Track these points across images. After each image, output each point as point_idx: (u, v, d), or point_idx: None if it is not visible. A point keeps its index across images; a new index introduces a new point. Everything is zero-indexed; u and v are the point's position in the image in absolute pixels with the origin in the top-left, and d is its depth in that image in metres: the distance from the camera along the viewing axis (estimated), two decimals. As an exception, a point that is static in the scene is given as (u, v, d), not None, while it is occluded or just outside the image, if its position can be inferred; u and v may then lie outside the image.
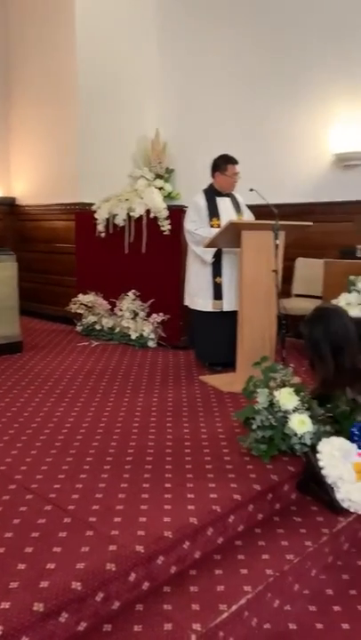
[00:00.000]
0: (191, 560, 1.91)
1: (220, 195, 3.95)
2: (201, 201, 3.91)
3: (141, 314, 4.85)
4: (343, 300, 3.35)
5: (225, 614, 1.67)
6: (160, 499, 2.09)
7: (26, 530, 1.87)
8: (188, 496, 2.11)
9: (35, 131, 6.17)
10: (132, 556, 1.74)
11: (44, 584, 1.58)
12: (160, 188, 5.64)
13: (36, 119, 6.13)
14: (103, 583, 1.64)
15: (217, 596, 1.74)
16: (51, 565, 1.67)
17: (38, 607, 1.49)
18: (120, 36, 5.83)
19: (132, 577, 1.72)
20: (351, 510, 2.21)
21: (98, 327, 5.19)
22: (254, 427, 2.42)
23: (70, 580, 1.60)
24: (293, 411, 2.45)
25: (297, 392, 2.52)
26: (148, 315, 4.81)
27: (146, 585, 1.76)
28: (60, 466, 2.39)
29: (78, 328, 5.35)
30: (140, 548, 1.77)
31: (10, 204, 6.52)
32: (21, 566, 1.67)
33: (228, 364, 3.90)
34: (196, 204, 3.93)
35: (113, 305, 5.08)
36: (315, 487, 2.29)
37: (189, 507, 2.03)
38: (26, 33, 6.08)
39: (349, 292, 3.34)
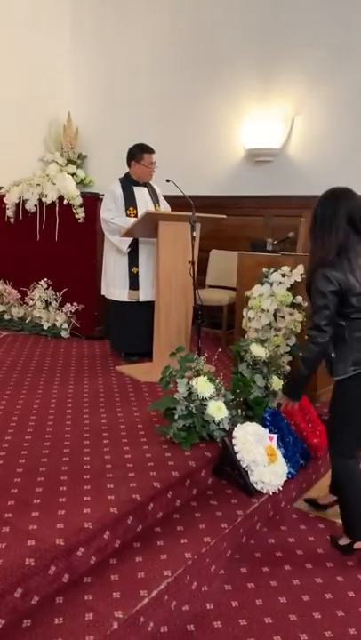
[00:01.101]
0: (111, 549, 1.92)
1: (138, 184, 3.93)
2: (117, 189, 3.86)
3: (54, 303, 4.73)
4: (256, 292, 3.48)
5: (145, 600, 1.70)
6: (79, 491, 2.07)
7: None
8: (108, 486, 2.11)
9: None
10: (52, 550, 1.71)
11: None
12: (73, 174, 5.50)
13: None
14: (22, 579, 1.60)
15: (137, 583, 1.76)
16: (-35, 565, 1.60)
17: None
18: (30, 16, 5.58)
19: (52, 570, 1.70)
20: (263, 492, 2.33)
21: (7, 317, 4.98)
22: (176, 416, 2.46)
23: (-14, 578, 1.55)
24: (210, 398, 2.52)
25: (210, 380, 2.60)
26: (62, 304, 4.70)
27: (66, 577, 1.74)
28: (-29, 462, 2.28)
29: (-15, 318, 5.11)
30: (59, 541, 1.75)
31: None
32: None
33: (144, 354, 3.92)
34: (112, 193, 3.87)
35: (24, 294, 4.90)
36: (230, 471, 2.38)
37: (109, 497, 2.03)
38: None
39: (262, 284, 3.48)
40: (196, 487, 2.34)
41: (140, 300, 3.83)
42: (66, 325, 4.65)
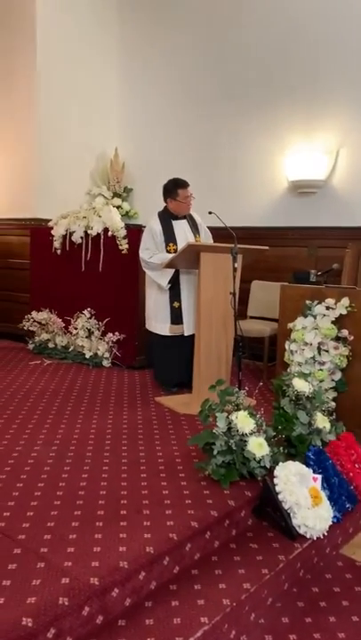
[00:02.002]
0: (147, 591, 1.86)
1: (176, 217, 3.95)
2: (156, 226, 3.88)
3: (96, 333, 4.78)
4: (299, 324, 3.41)
5: (181, 648, 1.62)
6: (115, 527, 2.03)
7: (-28, 562, 1.77)
8: (145, 523, 2.06)
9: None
10: (86, 589, 1.67)
11: (-9, 622, 1.49)
12: (118, 207, 5.63)
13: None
14: (55, 618, 1.56)
15: (173, 630, 1.69)
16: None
17: (-15, 648, 1.40)
18: (81, 54, 5.84)
19: (86, 611, 1.65)
20: (307, 536, 2.22)
21: (51, 345, 5.07)
22: (215, 452, 2.40)
23: (20, 615, 1.52)
24: (250, 434, 2.45)
25: (251, 415, 2.53)
26: (104, 334, 4.75)
27: (100, 619, 1.69)
28: (9, 492, 2.28)
29: (30, 346, 5.21)
30: (94, 581, 1.71)
31: None
32: (-33, 603, 1.57)
33: (183, 385, 3.89)
34: (151, 230, 3.89)
35: (67, 323, 4.99)
36: (271, 513, 2.28)
37: (145, 535, 1.97)
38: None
39: (305, 316, 3.41)
40: (236, 528, 2.26)
41: (185, 334, 3.82)
42: (107, 355, 4.68)
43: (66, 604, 1.60)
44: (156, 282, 3.83)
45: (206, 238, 4.07)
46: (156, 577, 1.89)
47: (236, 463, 2.41)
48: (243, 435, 2.44)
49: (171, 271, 3.75)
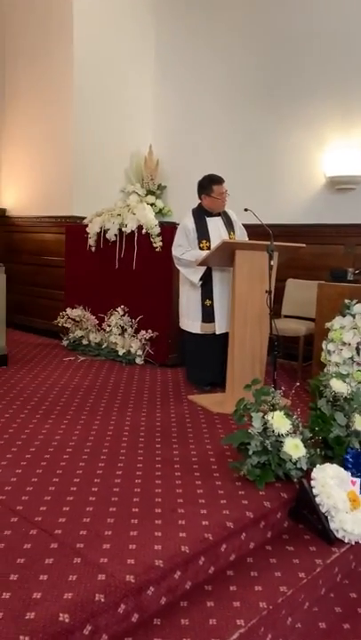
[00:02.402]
0: (182, 590, 1.85)
1: (210, 214, 3.91)
2: (189, 223, 3.85)
3: (129, 330, 4.80)
4: (337, 324, 3.34)
5: (217, 650, 1.60)
6: (150, 525, 2.03)
7: (10, 555, 1.79)
8: (179, 522, 2.04)
9: (27, 143, 6.14)
10: (122, 587, 1.67)
11: (29, 615, 1.50)
12: (152, 204, 5.63)
13: (29, 131, 6.10)
14: (92, 615, 1.57)
15: (209, 631, 1.67)
16: (37, 595, 1.59)
17: (23, 641, 1.41)
18: (116, 52, 5.86)
19: (122, 609, 1.65)
20: (345, 540, 2.17)
21: (85, 342, 5.12)
22: (250, 452, 2.37)
23: (57, 611, 1.52)
24: (286, 435, 2.41)
25: (287, 415, 2.48)
26: (137, 331, 4.76)
27: (135, 617, 1.69)
28: (46, 487, 2.31)
29: (64, 342, 5.28)
30: (130, 578, 1.70)
31: (-1, 215, 6.46)
32: (6, 595, 1.58)
33: (216, 384, 3.87)
34: (184, 227, 3.86)
35: (101, 320, 5.02)
36: (308, 515, 2.24)
37: (181, 534, 1.96)
38: (21, 43, 6.07)
39: (343, 315, 3.33)
40: (272, 530, 2.22)
41: (217, 332, 3.79)
42: (140, 352, 4.69)
43: (102, 600, 1.60)
44: (188, 278, 3.81)
45: (241, 236, 4.03)
46: (191, 577, 1.88)
47: (272, 464, 2.37)
48: (279, 435, 2.40)
49: (203, 268, 3.72)
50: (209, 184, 3.83)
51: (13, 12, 6.11)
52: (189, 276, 3.79)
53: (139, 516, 2.09)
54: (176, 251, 3.85)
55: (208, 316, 3.82)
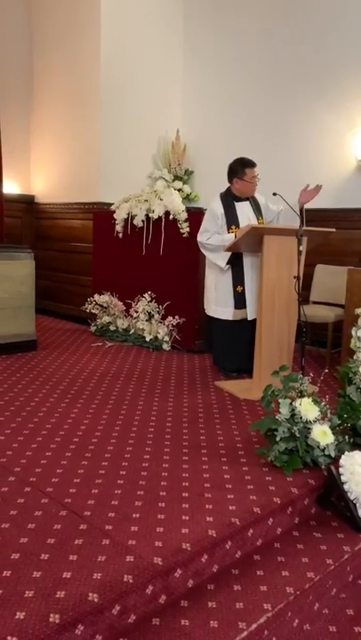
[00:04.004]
0: (209, 574, 1.86)
1: (239, 199, 3.86)
2: (218, 208, 3.81)
3: (157, 316, 4.81)
4: (366, 310, 3.28)
5: (244, 633, 1.62)
6: (177, 508, 2.04)
7: (41, 535, 1.83)
8: (206, 507, 2.05)
9: (56, 130, 6.16)
10: (150, 568, 1.69)
11: (60, 594, 1.54)
12: (179, 190, 5.60)
13: (57, 118, 6.13)
14: (120, 595, 1.59)
15: (236, 614, 1.69)
16: (67, 574, 1.62)
17: (54, 618, 1.45)
18: (143, 36, 5.81)
19: (150, 590, 1.67)
20: (374, 528, 2.15)
21: (112, 328, 5.15)
22: (278, 438, 2.36)
23: (87, 590, 1.55)
24: (314, 421, 2.39)
25: (315, 402, 2.46)
26: (164, 317, 4.77)
27: (163, 598, 1.71)
28: (75, 470, 2.34)
29: (92, 328, 5.33)
30: (157, 560, 1.72)
31: (29, 202, 6.52)
32: (37, 574, 1.62)
33: (243, 371, 3.86)
34: (212, 212, 3.82)
35: (128, 306, 5.05)
36: (336, 502, 2.22)
37: (208, 518, 1.97)
38: (49, 31, 6.07)
39: (373, 301, 3.27)
40: (299, 516, 2.22)
41: (248, 318, 3.76)
42: (167, 338, 4.70)
43: (130, 581, 1.63)
44: (215, 263, 3.78)
45: (276, 211, 3.92)
46: (218, 560, 1.89)
47: (300, 450, 2.36)
48: (307, 422, 2.38)
49: (229, 252, 3.69)
50: (242, 167, 3.78)
51: (41, 3, 6.11)
52: (216, 261, 3.77)
53: (166, 499, 2.11)
54: (202, 236, 3.82)
55: (240, 302, 3.79)
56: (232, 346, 3.90)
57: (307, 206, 3.66)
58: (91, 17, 5.54)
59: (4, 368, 3.92)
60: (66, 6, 5.81)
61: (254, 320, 3.63)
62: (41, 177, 6.44)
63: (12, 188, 6.26)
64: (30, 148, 6.50)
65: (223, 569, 1.91)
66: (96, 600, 1.54)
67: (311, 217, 3.79)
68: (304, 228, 3.21)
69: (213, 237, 3.76)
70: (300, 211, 3.55)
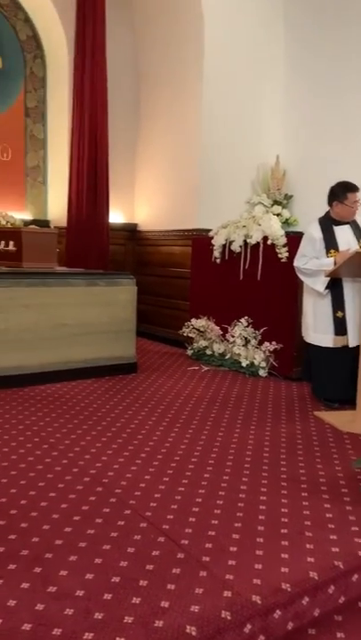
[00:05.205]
0: (310, 617, 1.77)
1: (339, 223, 3.77)
2: (316, 232, 3.74)
3: (253, 341, 4.77)
4: None
5: None
6: (276, 545, 1.98)
7: (140, 560, 1.85)
8: (307, 546, 1.97)
9: (158, 161, 6.42)
10: (249, 606, 1.65)
11: (158, 623, 1.54)
12: (278, 215, 5.57)
13: (159, 151, 6.38)
14: (218, 632, 1.57)
15: (340, 666, 1.59)
16: (165, 603, 1.63)
17: (153, 648, 1.45)
18: (245, 63, 5.91)
19: (248, 629, 1.63)
20: None
21: (208, 352, 5.18)
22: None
23: (185, 623, 1.55)
24: None
25: None
26: (261, 343, 4.72)
27: (261, 639, 1.65)
28: (172, 495, 2.36)
29: (189, 352, 5.39)
30: (256, 599, 1.68)
31: (132, 230, 6.81)
32: (136, 600, 1.64)
33: (345, 401, 3.69)
34: (310, 237, 3.76)
35: (225, 331, 5.06)
36: None
37: (308, 558, 1.89)
38: (154, 68, 6.37)
39: None
40: None
41: (350, 345, 3.63)
42: (264, 364, 4.64)
43: (228, 618, 1.60)
44: (313, 288, 3.70)
45: None
46: (320, 604, 1.80)
47: None
48: None
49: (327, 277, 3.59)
50: (343, 191, 3.70)
51: (147, 45, 6.44)
52: (314, 286, 3.69)
53: (264, 534, 2.05)
54: (299, 261, 3.77)
55: (341, 328, 3.67)
56: (333, 375, 3.76)
57: None
58: (193, 49, 5.73)
59: (106, 389, 4.08)
60: (170, 45, 6.08)
61: (357, 347, 3.48)
62: (143, 207, 6.72)
63: (117, 217, 6.60)
64: (135, 179, 6.81)
65: (325, 614, 1.81)
66: (194, 634, 1.52)
67: None
68: None
69: (311, 262, 3.69)
70: None
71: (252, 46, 5.93)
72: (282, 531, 2.08)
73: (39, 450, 2.84)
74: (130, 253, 6.81)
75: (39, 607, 1.59)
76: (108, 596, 1.65)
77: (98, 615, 1.56)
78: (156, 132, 6.43)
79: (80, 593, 1.66)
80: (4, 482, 2.44)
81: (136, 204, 6.83)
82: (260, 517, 2.19)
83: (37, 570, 1.78)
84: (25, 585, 1.69)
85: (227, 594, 1.69)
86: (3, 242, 4.54)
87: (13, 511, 2.17)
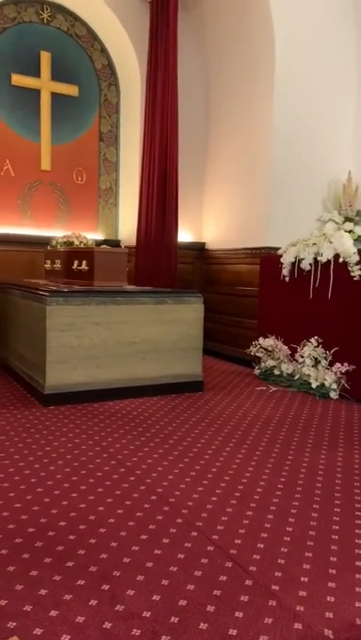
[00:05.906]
0: (387, 659, 1.66)
1: None
2: None
3: (323, 362, 4.63)
4: None
5: None
6: (350, 578, 1.88)
7: (207, 585, 1.82)
8: (384, 582, 1.86)
9: (227, 180, 6.46)
10: (321, 642, 1.57)
11: (225, 652, 1.50)
12: (350, 231, 5.43)
13: (228, 170, 6.42)
14: (288, 666, 1.51)
15: None
16: (233, 632, 1.59)
17: None
18: (316, 79, 5.85)
19: (320, 666, 1.55)
20: None
21: (276, 372, 5.08)
22: None
23: (254, 654, 1.50)
24: None
25: None
26: (331, 363, 4.57)
27: None
28: (240, 519, 2.31)
29: (256, 371, 5.32)
30: (328, 633, 1.60)
31: (200, 249, 6.87)
32: (203, 626, 1.61)
33: None
34: None
35: (293, 350, 4.95)
36: None
37: (386, 595, 1.78)
38: (225, 87, 6.45)
39: None
40: None
41: None
42: (335, 386, 4.49)
43: (299, 652, 1.53)
44: None
45: None
46: None
47: None
48: None
49: None
50: None
51: (217, 68, 6.55)
52: None
53: (337, 566, 1.96)
54: None
55: None
56: None
57: None
58: (264, 66, 5.74)
59: (172, 407, 4.10)
60: (241, 65, 6.13)
61: None
62: (211, 226, 6.77)
63: (185, 236, 6.68)
64: (203, 198, 6.89)
65: None
66: (263, 667, 1.47)
67: None
68: None
69: None
70: None
71: (323, 61, 5.87)
72: (356, 563, 1.98)
73: (107, 465, 2.88)
74: (197, 272, 6.86)
75: (107, 625, 1.60)
76: (175, 619, 1.63)
77: (165, 638, 1.55)
78: (225, 152, 6.48)
79: (147, 614, 1.65)
80: (74, 496, 2.49)
81: (204, 223, 6.89)
82: (333, 547, 2.10)
83: (105, 587, 1.79)
84: (93, 602, 1.71)
85: (297, 626, 1.62)
86: (76, 261, 4.71)
87: (82, 526, 2.21)
